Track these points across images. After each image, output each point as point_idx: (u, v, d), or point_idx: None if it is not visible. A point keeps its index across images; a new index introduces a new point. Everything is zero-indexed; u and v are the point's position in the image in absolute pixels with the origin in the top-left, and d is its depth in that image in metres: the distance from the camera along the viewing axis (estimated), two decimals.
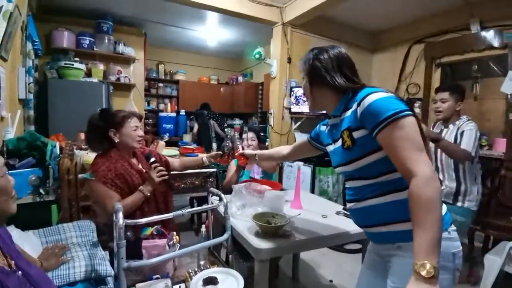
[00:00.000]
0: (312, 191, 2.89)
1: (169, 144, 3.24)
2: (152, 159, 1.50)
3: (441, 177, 1.90)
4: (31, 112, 2.75)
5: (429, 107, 3.42)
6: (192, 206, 3.18)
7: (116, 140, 1.48)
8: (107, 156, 1.45)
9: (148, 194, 1.45)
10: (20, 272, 0.68)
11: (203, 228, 1.41)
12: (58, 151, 1.58)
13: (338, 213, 1.55)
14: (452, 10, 3.03)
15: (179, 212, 1.18)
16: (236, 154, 1.59)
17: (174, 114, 5.38)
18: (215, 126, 4.75)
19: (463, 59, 3.13)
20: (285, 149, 1.45)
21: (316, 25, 3.40)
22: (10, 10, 1.44)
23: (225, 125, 5.74)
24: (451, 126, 1.86)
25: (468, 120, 1.83)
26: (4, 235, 0.75)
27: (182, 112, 5.40)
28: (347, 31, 3.72)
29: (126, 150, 1.52)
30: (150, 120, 5.37)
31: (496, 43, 2.74)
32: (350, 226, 1.36)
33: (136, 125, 1.52)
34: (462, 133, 1.77)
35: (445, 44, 3.18)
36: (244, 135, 2.15)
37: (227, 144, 1.68)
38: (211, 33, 4.41)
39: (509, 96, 2.63)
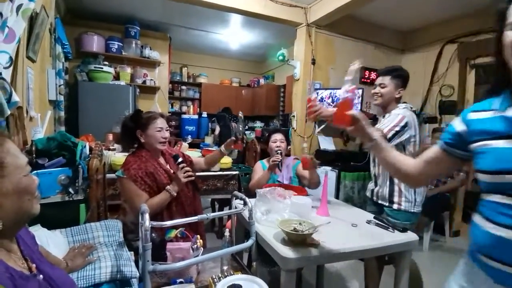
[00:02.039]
0: (337, 197, 2.78)
1: (191, 146, 3.26)
2: (180, 160, 1.51)
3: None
4: (62, 113, 2.88)
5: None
6: (213, 208, 3.17)
7: (142, 141, 1.51)
8: (138, 155, 1.49)
9: (175, 194, 1.46)
10: (41, 276, 0.67)
11: (227, 233, 1.37)
12: (87, 151, 1.62)
13: (369, 222, 1.46)
14: (486, 10, 2.83)
15: (204, 216, 1.15)
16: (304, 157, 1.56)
17: (196, 116, 5.45)
18: (236, 129, 4.75)
19: None
20: (406, 163, 0.90)
21: (341, 25, 3.31)
22: (31, 9, 1.47)
23: (246, 127, 5.75)
24: (387, 115, 1.65)
25: (404, 108, 1.61)
26: (26, 236, 0.74)
27: (204, 114, 5.46)
28: (375, 31, 3.59)
29: (153, 150, 1.55)
30: (173, 122, 5.46)
31: None
32: (385, 238, 1.27)
33: (161, 126, 1.52)
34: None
35: (479, 45, 2.97)
36: (273, 137, 2.10)
37: (237, 130, 1.74)
38: (233, 36, 4.43)
39: None
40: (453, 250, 2.89)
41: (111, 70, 3.45)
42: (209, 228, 3.09)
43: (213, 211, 3.17)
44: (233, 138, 1.76)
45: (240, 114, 1.83)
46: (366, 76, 3.62)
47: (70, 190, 1.41)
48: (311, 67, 3.29)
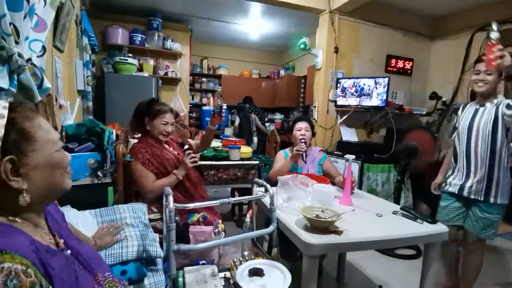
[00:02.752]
0: (360, 188, 2.70)
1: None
2: (186, 146, 1.61)
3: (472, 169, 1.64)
4: (90, 103, 3.00)
5: None
6: (234, 197, 3.19)
7: (148, 128, 1.61)
8: (144, 141, 1.59)
9: (181, 177, 1.55)
10: (69, 251, 0.68)
11: (248, 219, 1.38)
12: (114, 137, 1.67)
13: (395, 212, 1.40)
14: None
15: (225, 200, 1.15)
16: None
17: None
18: (256, 120, 4.75)
19: None
20: None
21: (366, 11, 3.16)
22: (60, 0, 1.52)
23: (266, 119, 5.72)
24: (488, 104, 1.60)
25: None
26: (55, 213, 0.75)
27: (224, 106, 5.47)
28: (403, 17, 3.40)
29: (157, 137, 1.64)
30: (194, 114, 5.55)
31: None
32: (411, 228, 1.22)
33: (167, 121, 1.61)
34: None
35: (509, 33, 2.73)
36: (297, 125, 2.05)
37: (216, 105, 1.87)
38: (253, 26, 4.38)
39: None
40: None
41: (135, 62, 3.53)
42: (229, 217, 3.14)
43: (252, 209, 3.20)
44: (212, 111, 1.89)
45: (220, 101, 1.92)
46: (392, 64, 3.46)
47: (99, 173, 1.47)
48: (334, 55, 3.19)
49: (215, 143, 2.80)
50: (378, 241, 1.12)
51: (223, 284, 1.06)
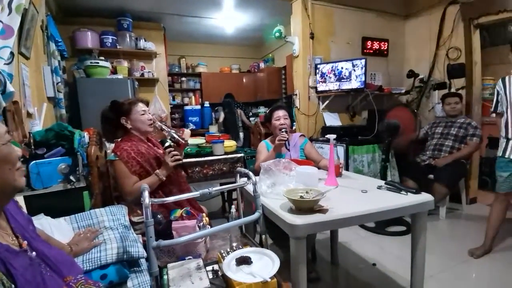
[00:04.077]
0: (347, 171, 2.71)
1: (195, 136, 3.21)
2: (166, 144, 1.51)
3: None
4: (63, 111, 2.87)
5: (473, 72, 3.06)
6: (223, 194, 3.15)
7: (129, 126, 1.54)
8: (128, 139, 1.52)
9: (164, 178, 1.47)
10: (34, 253, 0.65)
11: (233, 209, 1.34)
12: (86, 140, 1.59)
13: (379, 187, 1.39)
14: None
15: (206, 190, 1.11)
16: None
17: (198, 107, 5.40)
18: (241, 115, 4.71)
19: (500, 20, 2.80)
20: None
21: None
22: (23, 4, 1.45)
23: (250, 114, 5.68)
24: None
25: None
26: (17, 215, 0.71)
27: (207, 104, 5.40)
28: None
29: (141, 134, 1.57)
30: (177, 115, 5.44)
31: None
32: (395, 200, 1.22)
33: (144, 109, 1.56)
34: None
35: (480, 3, 2.82)
36: (275, 115, 2.02)
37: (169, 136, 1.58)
38: (228, 19, 4.31)
39: None
40: (471, 217, 2.80)
41: (107, 64, 3.40)
42: (220, 214, 3.09)
43: (223, 197, 3.16)
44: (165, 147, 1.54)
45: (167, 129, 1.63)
46: (368, 46, 3.48)
47: (71, 178, 1.39)
48: (310, 41, 3.17)
49: (199, 140, 2.74)
50: (364, 216, 1.10)
51: (211, 277, 1.02)
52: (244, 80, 5.85)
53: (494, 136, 3.29)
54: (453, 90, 3.07)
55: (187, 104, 5.50)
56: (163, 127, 1.57)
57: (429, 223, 2.74)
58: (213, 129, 4.72)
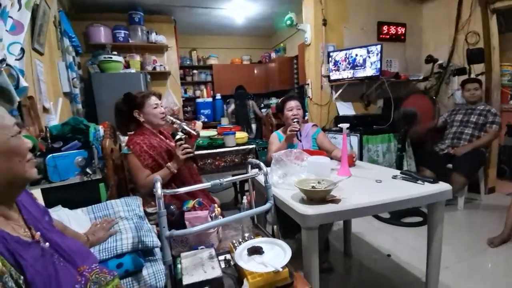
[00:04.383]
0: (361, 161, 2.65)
1: (208, 128, 3.23)
2: (177, 137, 1.51)
3: None
4: (79, 106, 2.95)
5: (491, 58, 2.89)
6: (235, 186, 3.17)
7: (142, 120, 1.55)
8: (140, 133, 1.53)
9: (175, 170, 1.49)
10: (47, 243, 0.66)
11: (245, 200, 1.34)
12: (101, 133, 1.63)
13: (394, 177, 1.35)
14: None
15: (217, 181, 1.11)
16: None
17: (210, 99, 5.41)
18: (254, 106, 4.67)
19: None
20: None
21: None
22: (34, 0, 1.47)
23: (262, 105, 5.65)
24: None
25: None
26: (31, 207, 0.73)
27: (218, 96, 5.41)
28: None
29: (154, 127, 1.59)
30: (189, 108, 5.49)
31: None
32: (411, 190, 1.18)
33: (156, 103, 1.57)
34: None
35: None
36: (288, 105, 1.99)
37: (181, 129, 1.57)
38: (238, 9, 4.24)
39: None
40: (489, 207, 2.69)
41: (121, 59, 3.45)
42: (232, 205, 3.12)
43: (235, 188, 3.18)
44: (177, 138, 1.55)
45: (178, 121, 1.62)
46: (384, 32, 3.34)
47: (88, 170, 1.43)
48: (323, 28, 3.08)
49: (210, 132, 2.76)
50: (377, 206, 1.07)
51: (223, 266, 1.03)
52: (255, 71, 5.80)
53: None
54: (472, 75, 2.92)
55: (199, 97, 5.52)
56: (174, 120, 1.58)
57: (446, 214, 2.67)
58: (225, 121, 4.74)
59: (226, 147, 2.41)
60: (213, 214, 1.26)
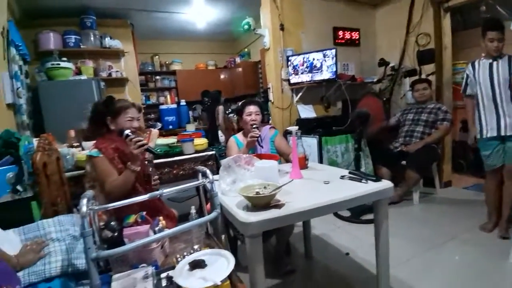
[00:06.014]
0: (321, 162, 2.70)
1: (174, 135, 3.10)
2: (125, 133, 1.41)
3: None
4: (24, 118, 2.71)
5: (442, 57, 3.11)
6: (199, 194, 3.08)
7: (112, 128, 1.48)
8: (109, 138, 1.47)
9: (137, 168, 1.40)
10: None
11: (193, 210, 1.29)
12: (35, 146, 1.49)
13: (342, 177, 1.38)
14: None
15: (155, 193, 1.05)
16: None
17: (175, 106, 5.26)
18: (219, 113, 4.55)
19: (470, 1, 2.82)
20: None
21: None
22: None
23: (229, 110, 5.59)
24: (500, 60, 1.95)
25: None
26: None
27: (183, 102, 5.28)
28: None
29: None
30: (152, 115, 5.29)
31: None
32: (356, 189, 1.20)
33: (132, 116, 1.50)
34: None
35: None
36: (247, 110, 1.97)
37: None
38: (198, 14, 4.18)
39: None
40: (445, 200, 2.86)
41: (70, 65, 3.23)
42: (197, 216, 3.02)
43: (200, 198, 3.09)
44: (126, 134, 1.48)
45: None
46: (340, 37, 3.46)
47: (18, 187, 1.30)
48: (280, 33, 3.12)
49: (170, 140, 2.65)
50: (321, 207, 1.07)
51: (164, 284, 0.96)
52: (221, 76, 5.75)
53: (467, 119, 3.36)
54: (423, 76, 3.11)
55: (162, 103, 5.35)
56: (128, 135, 1.44)
57: (402, 209, 2.79)
58: (191, 127, 4.61)
59: (184, 155, 2.33)
60: (157, 228, 1.19)
